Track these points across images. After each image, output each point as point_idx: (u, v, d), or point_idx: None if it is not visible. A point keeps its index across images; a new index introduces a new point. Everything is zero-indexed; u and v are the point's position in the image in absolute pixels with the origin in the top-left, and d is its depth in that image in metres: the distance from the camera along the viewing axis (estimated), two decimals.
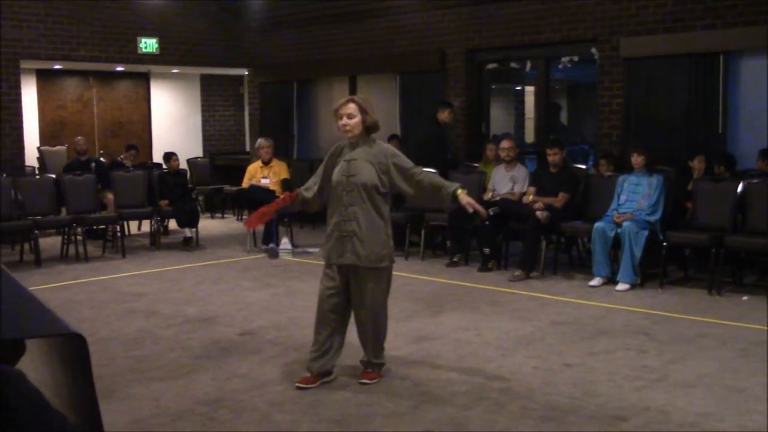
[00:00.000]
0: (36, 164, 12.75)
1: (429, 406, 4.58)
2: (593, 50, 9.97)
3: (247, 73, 14.62)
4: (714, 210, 7.72)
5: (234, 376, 5.18)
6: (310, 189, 5.10)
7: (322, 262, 5.03)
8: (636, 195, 7.92)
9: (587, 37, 9.93)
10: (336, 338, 4.94)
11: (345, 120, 4.83)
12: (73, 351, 1.02)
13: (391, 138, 11.39)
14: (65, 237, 9.87)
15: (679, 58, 9.10)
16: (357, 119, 4.84)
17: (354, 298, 4.92)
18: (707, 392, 4.77)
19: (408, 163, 4.93)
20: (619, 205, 8.00)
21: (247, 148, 15.02)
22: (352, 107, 4.85)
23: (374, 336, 4.98)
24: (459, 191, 4.84)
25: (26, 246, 9.68)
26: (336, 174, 4.88)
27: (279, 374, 5.10)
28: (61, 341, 1.04)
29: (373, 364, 5.02)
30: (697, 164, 8.30)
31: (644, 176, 7.95)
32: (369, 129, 4.92)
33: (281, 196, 5.48)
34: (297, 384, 4.88)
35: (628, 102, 9.58)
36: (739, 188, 7.66)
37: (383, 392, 4.83)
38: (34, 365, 1.04)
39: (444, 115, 10.29)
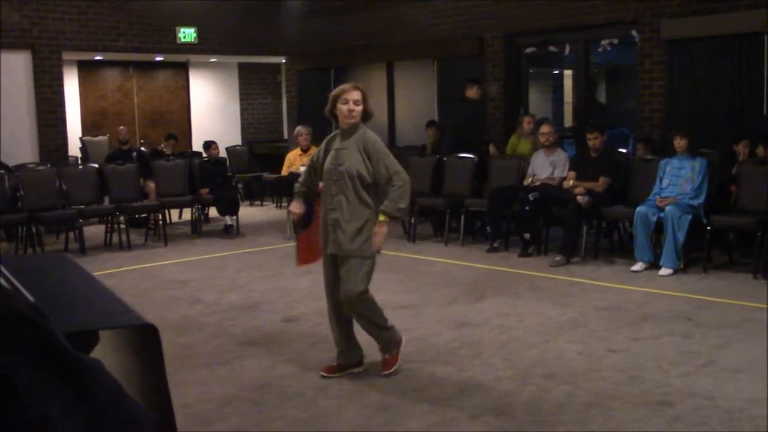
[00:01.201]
0: (79, 154, 12.95)
1: (472, 392, 4.59)
2: (633, 33, 9.83)
3: (284, 61, 14.67)
4: (759, 193, 7.59)
5: (279, 362, 5.24)
6: (303, 184, 5.10)
7: None
8: (679, 179, 7.82)
9: (627, 20, 9.79)
10: (350, 331, 4.93)
11: (352, 105, 4.79)
12: (144, 341, 1.05)
13: (429, 124, 11.38)
14: (108, 226, 10.03)
15: (722, 39, 8.94)
16: (361, 107, 4.84)
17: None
18: (755, 378, 4.72)
19: (392, 167, 4.74)
20: (661, 189, 7.91)
21: (285, 136, 15.09)
22: (358, 94, 4.83)
23: (365, 327, 4.89)
24: (381, 217, 4.71)
25: (71, 235, 9.87)
26: (327, 163, 4.85)
27: (323, 360, 5.14)
28: (132, 332, 1.07)
29: (384, 350, 4.94)
30: (742, 148, 8.17)
31: (687, 160, 7.84)
32: (365, 118, 4.92)
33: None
34: (321, 372, 4.92)
35: (670, 85, 9.44)
36: None
37: (426, 378, 4.85)
38: (105, 355, 1.07)
39: (472, 92, 10.20)
